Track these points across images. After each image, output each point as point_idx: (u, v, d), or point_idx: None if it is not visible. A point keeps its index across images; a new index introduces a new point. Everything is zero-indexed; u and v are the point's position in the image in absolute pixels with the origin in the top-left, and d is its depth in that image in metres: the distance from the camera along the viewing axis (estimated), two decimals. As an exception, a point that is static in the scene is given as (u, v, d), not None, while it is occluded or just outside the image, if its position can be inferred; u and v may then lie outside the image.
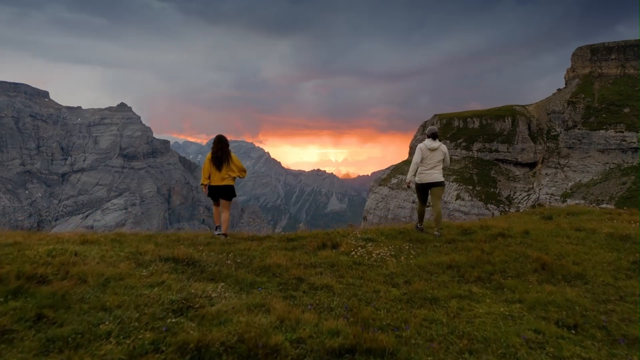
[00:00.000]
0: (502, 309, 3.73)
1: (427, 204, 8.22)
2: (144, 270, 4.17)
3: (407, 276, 4.73)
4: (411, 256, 5.62)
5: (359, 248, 5.86)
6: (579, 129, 74.05)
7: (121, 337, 2.63)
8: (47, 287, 3.28)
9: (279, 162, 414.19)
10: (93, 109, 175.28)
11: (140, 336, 2.64)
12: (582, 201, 63.16)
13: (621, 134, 69.33)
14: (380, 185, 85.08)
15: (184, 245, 5.95)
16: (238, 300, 3.58)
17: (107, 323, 2.78)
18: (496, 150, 77.33)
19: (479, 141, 78.98)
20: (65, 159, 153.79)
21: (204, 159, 7.81)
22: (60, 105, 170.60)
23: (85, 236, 5.60)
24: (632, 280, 4.60)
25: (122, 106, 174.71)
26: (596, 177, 68.46)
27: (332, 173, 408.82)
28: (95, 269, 3.85)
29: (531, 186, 73.53)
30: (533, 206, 68.14)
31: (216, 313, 3.15)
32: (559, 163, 74.28)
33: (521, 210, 69.40)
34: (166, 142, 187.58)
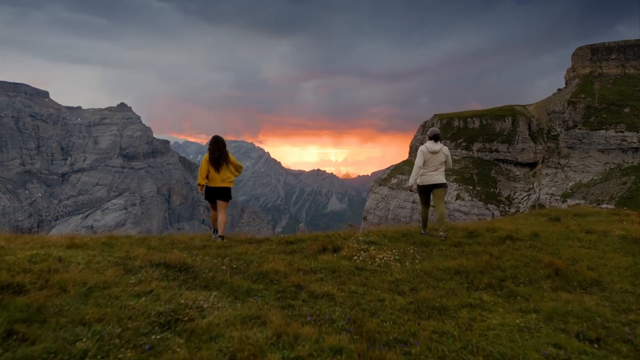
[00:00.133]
0: (517, 320, 3.46)
1: (430, 206, 8.00)
2: (132, 278, 3.89)
3: (413, 283, 4.45)
4: (416, 261, 5.34)
5: (361, 252, 5.58)
6: (579, 129, 73.82)
7: (99, 356, 2.36)
8: (23, 297, 3.01)
9: (279, 162, 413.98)
10: (93, 109, 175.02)
11: (120, 356, 2.37)
12: (583, 201, 62.96)
13: (621, 134, 69.12)
14: (380, 185, 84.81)
15: (177, 249, 5.68)
16: (232, 311, 3.30)
17: (84, 340, 2.50)
18: (496, 150, 77.12)
19: (479, 141, 78.76)
20: (65, 159, 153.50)
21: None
22: (60, 105, 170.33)
23: (73, 239, 5.32)
24: (651, 287, 4.33)
25: (122, 106, 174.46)
26: (596, 177, 68.25)
27: (332, 173, 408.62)
28: (78, 277, 3.57)
29: (531, 186, 73.30)
30: (533, 206, 67.95)
31: (207, 327, 2.88)
32: (559, 163, 74.06)
33: (521, 211, 69.24)
34: (166, 142, 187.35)
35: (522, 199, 71.35)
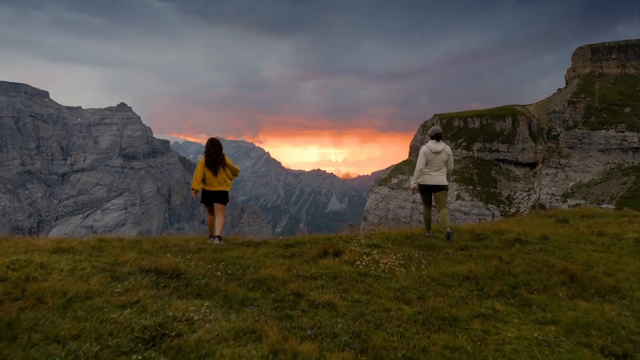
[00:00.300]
0: (535, 333, 3.18)
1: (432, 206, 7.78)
2: (119, 286, 3.61)
3: (419, 290, 4.17)
4: (422, 266, 5.06)
5: (364, 256, 5.29)
6: (579, 128, 73.62)
7: (71, 381, 2.09)
8: (-5, 310, 2.73)
9: (279, 162, 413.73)
10: (93, 109, 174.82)
11: (95, 380, 2.10)
12: (583, 201, 62.81)
13: (622, 134, 68.94)
14: (380, 185, 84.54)
15: (171, 253, 5.40)
16: (225, 324, 3.03)
17: (56, 361, 2.23)
18: (496, 150, 76.92)
19: (480, 141, 78.55)
20: (65, 159, 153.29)
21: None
22: (60, 105, 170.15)
23: (60, 243, 5.04)
24: (673, 295, 4.05)
25: (122, 106, 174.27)
26: (597, 177, 68.06)
27: (332, 173, 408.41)
28: (58, 286, 3.29)
29: (532, 186, 73.09)
30: (533, 206, 67.73)
31: (196, 343, 2.60)
32: (559, 163, 73.85)
33: (521, 211, 68.96)
34: (166, 142, 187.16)
35: (522, 199, 71.13)
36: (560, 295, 4.09)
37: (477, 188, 72.14)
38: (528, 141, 75.43)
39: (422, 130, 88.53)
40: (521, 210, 68.35)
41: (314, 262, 5.23)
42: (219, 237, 6.94)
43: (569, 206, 60.44)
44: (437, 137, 7.60)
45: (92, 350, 2.38)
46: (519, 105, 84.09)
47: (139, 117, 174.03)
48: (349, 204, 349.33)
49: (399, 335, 3.08)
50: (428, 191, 7.58)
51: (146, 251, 5.43)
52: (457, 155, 77.16)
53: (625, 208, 11.47)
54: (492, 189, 72.60)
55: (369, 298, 3.89)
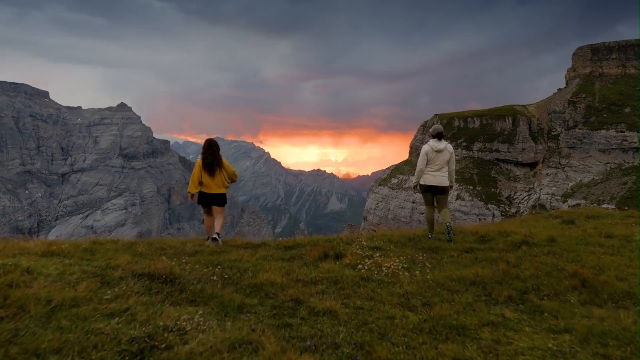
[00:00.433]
0: (549, 344, 2.99)
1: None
2: (108, 292, 3.43)
3: (425, 296, 3.98)
4: (427, 269, 4.87)
5: (366, 259, 5.11)
6: (579, 128, 73.49)
7: (48, 401, 1.91)
8: (-28, 320, 2.55)
9: (279, 162, 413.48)
10: (93, 109, 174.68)
11: (75, 400, 1.92)
12: (583, 201, 62.73)
13: (622, 134, 68.83)
14: (380, 185, 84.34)
15: (166, 256, 5.21)
16: (220, 333, 2.84)
17: (33, 378, 2.04)
18: (497, 150, 76.78)
19: (480, 141, 78.41)
20: (65, 159, 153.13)
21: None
22: (60, 105, 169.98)
23: (51, 246, 4.85)
24: (689, 300, 3.87)
25: (122, 106, 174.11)
26: (597, 177, 67.94)
27: (332, 173, 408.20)
28: (42, 293, 3.11)
29: (532, 186, 72.95)
30: (534, 206, 67.58)
31: (187, 357, 2.42)
32: (559, 163, 73.72)
33: (522, 211, 68.74)
34: (166, 142, 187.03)
35: (522, 199, 70.98)
36: (572, 301, 3.90)
37: (477, 188, 71.97)
38: (528, 141, 75.26)
39: (422, 130, 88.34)
40: (521, 211, 68.23)
41: (314, 265, 5.05)
42: (218, 234, 6.82)
43: (569, 206, 60.33)
44: (438, 136, 7.46)
45: (73, 365, 2.20)
46: (519, 105, 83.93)
47: (139, 117, 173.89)
48: (349, 204, 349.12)
49: (404, 346, 2.89)
50: (430, 191, 7.42)
51: (141, 254, 5.25)
52: (457, 155, 76.98)
53: (626, 208, 11.31)
54: (492, 189, 72.45)
55: (372, 304, 3.70)
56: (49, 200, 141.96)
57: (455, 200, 70.62)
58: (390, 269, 4.69)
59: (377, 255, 5.37)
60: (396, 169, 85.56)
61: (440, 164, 7.28)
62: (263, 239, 7.18)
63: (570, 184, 69.75)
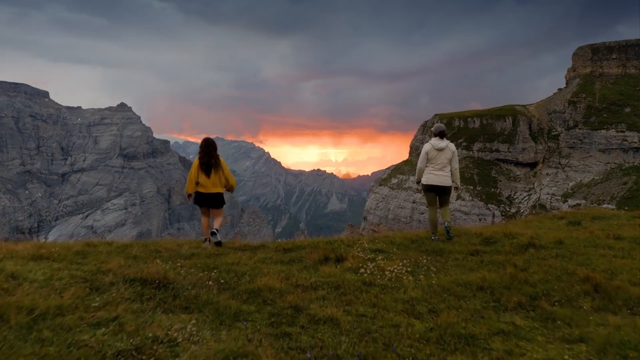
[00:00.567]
0: (565, 355, 2.81)
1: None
2: (97, 299, 3.24)
3: (430, 302, 3.80)
4: (431, 273, 4.69)
5: (368, 262, 4.92)
6: (579, 128, 73.35)
7: None
8: (-54, 332, 2.37)
9: (279, 162, 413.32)
10: (93, 109, 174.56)
11: None
12: (584, 201, 62.63)
13: (622, 134, 68.69)
14: (380, 185, 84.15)
15: (161, 259, 5.03)
16: (214, 345, 2.66)
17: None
18: (497, 150, 76.62)
19: (480, 141, 78.24)
20: (65, 159, 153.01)
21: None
22: (60, 105, 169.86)
23: (40, 249, 4.67)
24: None
25: (122, 106, 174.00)
26: (597, 177, 67.80)
27: (332, 173, 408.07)
28: (25, 301, 2.92)
29: (532, 186, 72.78)
30: (534, 206, 67.41)
31: (177, 372, 2.24)
32: (559, 163, 73.57)
33: (522, 211, 68.56)
34: (166, 142, 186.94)
35: (522, 199, 70.81)
36: (585, 307, 3.72)
37: (478, 188, 71.80)
38: (528, 141, 75.10)
39: (422, 130, 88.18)
40: (521, 211, 68.11)
41: (315, 269, 4.86)
42: (217, 230, 6.65)
43: (569, 206, 60.22)
44: (440, 135, 7.35)
45: (52, 383, 2.02)
46: (519, 105, 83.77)
47: (139, 117, 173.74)
48: (349, 204, 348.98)
49: (411, 358, 2.71)
50: (432, 191, 7.26)
51: (134, 257, 5.06)
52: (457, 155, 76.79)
53: (626, 208, 11.16)
54: (493, 189, 72.28)
55: (375, 312, 3.52)
56: (49, 200, 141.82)
57: (456, 200, 70.44)
58: (394, 273, 4.51)
59: (380, 258, 5.19)
60: (396, 169, 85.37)
61: (442, 163, 7.14)
62: (262, 241, 7.01)
63: (571, 184, 69.60)
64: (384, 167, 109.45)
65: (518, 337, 3.14)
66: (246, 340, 2.79)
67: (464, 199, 70.65)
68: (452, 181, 7.32)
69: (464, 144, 78.93)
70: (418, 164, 7.44)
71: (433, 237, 6.88)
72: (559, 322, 3.40)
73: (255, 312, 3.44)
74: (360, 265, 4.82)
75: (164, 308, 3.33)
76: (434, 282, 4.33)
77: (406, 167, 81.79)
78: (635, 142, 66.66)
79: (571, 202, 64.64)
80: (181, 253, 5.58)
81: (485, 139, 77.96)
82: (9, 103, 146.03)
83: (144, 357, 2.38)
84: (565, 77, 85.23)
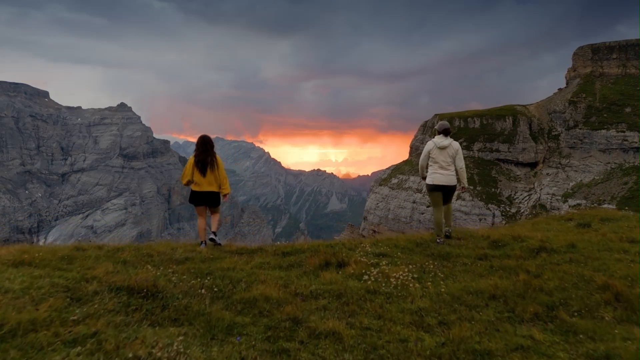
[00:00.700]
0: (593, 376, 2.54)
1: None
2: (77, 311, 2.96)
3: (440, 313, 3.52)
4: (439, 280, 4.40)
5: (372, 268, 4.64)
6: (580, 128, 73.14)
7: None
8: None
9: (279, 162, 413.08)
10: (93, 109, 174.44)
11: None
12: (584, 201, 62.45)
13: (622, 134, 68.49)
14: (380, 185, 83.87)
15: (152, 265, 4.76)
16: (203, 364, 2.39)
17: None
18: (497, 150, 76.41)
19: (480, 141, 78.02)
20: (65, 159, 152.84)
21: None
22: (60, 105, 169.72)
23: (23, 254, 4.38)
24: None
25: (122, 106, 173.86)
26: (597, 177, 67.59)
27: (332, 173, 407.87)
28: (-5, 315, 2.64)
29: (532, 186, 72.55)
30: (534, 206, 67.14)
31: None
32: (560, 163, 73.34)
33: (522, 211, 68.30)
34: (166, 142, 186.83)
35: (522, 199, 70.55)
36: (606, 318, 3.44)
37: (478, 188, 71.55)
38: (528, 141, 74.86)
39: (422, 130, 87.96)
40: (522, 211, 67.89)
41: (315, 274, 4.58)
42: (215, 234, 6.55)
43: (569, 206, 59.97)
44: (445, 132, 7.13)
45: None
46: (519, 105, 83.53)
47: (139, 117, 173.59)
48: (349, 204, 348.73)
49: (422, 380, 2.43)
50: (440, 190, 7.01)
51: (124, 262, 4.78)
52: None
53: (626, 208, 10.90)
54: (493, 189, 72.05)
55: (381, 324, 3.23)
56: (49, 200, 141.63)
57: (456, 200, 70.21)
58: (400, 280, 4.22)
59: (384, 263, 4.90)
60: (396, 169, 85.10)
61: (446, 162, 6.93)
62: (260, 244, 6.74)
63: (571, 184, 69.37)
64: (384, 167, 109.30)
65: (538, 353, 2.86)
66: (239, 358, 2.51)
67: (464, 199, 70.38)
68: (459, 180, 7.12)
69: (464, 144, 78.62)
70: (420, 161, 7.33)
71: (438, 240, 6.60)
72: (581, 336, 3.12)
73: (251, 325, 3.15)
74: (363, 271, 4.54)
75: (150, 320, 3.06)
76: (442, 290, 4.04)
77: (406, 167, 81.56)
78: (636, 142, 66.45)
79: (571, 202, 64.46)
80: (174, 257, 5.31)
81: (485, 139, 77.73)
82: (9, 103, 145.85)
83: (121, 383, 2.10)
84: (566, 77, 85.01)
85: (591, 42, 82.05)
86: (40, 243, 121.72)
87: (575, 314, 3.55)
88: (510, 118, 77.90)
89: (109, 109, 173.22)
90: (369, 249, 5.58)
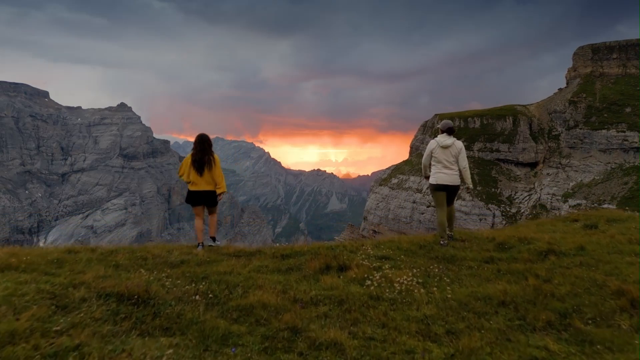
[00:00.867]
0: (615, 392, 2.36)
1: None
2: (61, 320, 2.78)
3: (448, 321, 3.33)
4: (445, 285, 4.21)
5: (374, 272, 4.45)
6: (580, 128, 73.05)
7: None
8: None
9: (279, 162, 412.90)
10: (93, 109, 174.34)
11: None
12: (584, 201, 62.35)
13: (623, 134, 68.41)
14: (380, 185, 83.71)
15: (146, 268, 4.57)
16: (194, 380, 2.21)
17: None
18: (497, 150, 76.31)
19: (480, 141, 77.92)
20: (65, 159, 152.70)
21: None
22: (60, 105, 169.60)
23: (10, 258, 4.19)
24: None
25: (122, 106, 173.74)
26: (598, 177, 67.48)
27: (332, 173, 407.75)
28: (-30, 327, 2.46)
29: (532, 186, 72.43)
30: (534, 206, 66.99)
31: None
32: (560, 163, 73.23)
33: (522, 211, 68.18)
34: (166, 142, 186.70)
35: (523, 199, 70.42)
36: (623, 326, 3.25)
37: (478, 188, 71.43)
38: (529, 141, 74.73)
39: (422, 130, 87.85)
40: (522, 211, 67.79)
41: (315, 279, 4.39)
42: (214, 239, 6.52)
43: (570, 206, 59.84)
44: (448, 131, 7.00)
45: None
46: (519, 105, 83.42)
47: (139, 117, 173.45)
48: (349, 204, 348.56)
49: (432, 397, 2.25)
50: (444, 190, 6.84)
51: (117, 266, 4.60)
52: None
53: (627, 208, 10.74)
54: (493, 189, 71.93)
55: (385, 333, 3.05)
56: (49, 200, 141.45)
57: (456, 200, 69.99)
58: (404, 285, 4.03)
59: (387, 266, 4.71)
60: (396, 169, 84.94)
61: (449, 161, 6.80)
62: (258, 246, 6.55)
63: (571, 184, 69.24)
64: (384, 167, 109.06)
65: (555, 366, 2.67)
66: (233, 374, 2.33)
67: (464, 199, 70.23)
68: (463, 180, 6.98)
69: (464, 144, 78.07)
70: (422, 160, 7.24)
71: (442, 242, 6.42)
72: (598, 346, 2.93)
73: (247, 335, 2.97)
74: (365, 275, 4.35)
75: (140, 330, 2.87)
76: (449, 295, 3.85)
77: (406, 167, 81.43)
78: (636, 142, 66.35)
79: (572, 202, 64.36)
80: (169, 260, 5.12)
81: (485, 139, 77.61)
82: (9, 103, 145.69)
83: (102, 404, 1.92)
84: (566, 77, 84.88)
85: (591, 42, 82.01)
86: (40, 243, 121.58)
87: (590, 321, 3.36)
88: (510, 118, 77.78)
89: (109, 109, 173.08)
90: (371, 252, 5.40)
